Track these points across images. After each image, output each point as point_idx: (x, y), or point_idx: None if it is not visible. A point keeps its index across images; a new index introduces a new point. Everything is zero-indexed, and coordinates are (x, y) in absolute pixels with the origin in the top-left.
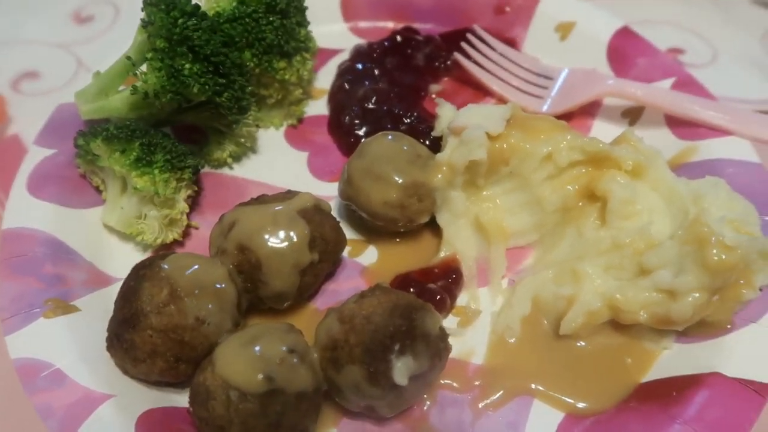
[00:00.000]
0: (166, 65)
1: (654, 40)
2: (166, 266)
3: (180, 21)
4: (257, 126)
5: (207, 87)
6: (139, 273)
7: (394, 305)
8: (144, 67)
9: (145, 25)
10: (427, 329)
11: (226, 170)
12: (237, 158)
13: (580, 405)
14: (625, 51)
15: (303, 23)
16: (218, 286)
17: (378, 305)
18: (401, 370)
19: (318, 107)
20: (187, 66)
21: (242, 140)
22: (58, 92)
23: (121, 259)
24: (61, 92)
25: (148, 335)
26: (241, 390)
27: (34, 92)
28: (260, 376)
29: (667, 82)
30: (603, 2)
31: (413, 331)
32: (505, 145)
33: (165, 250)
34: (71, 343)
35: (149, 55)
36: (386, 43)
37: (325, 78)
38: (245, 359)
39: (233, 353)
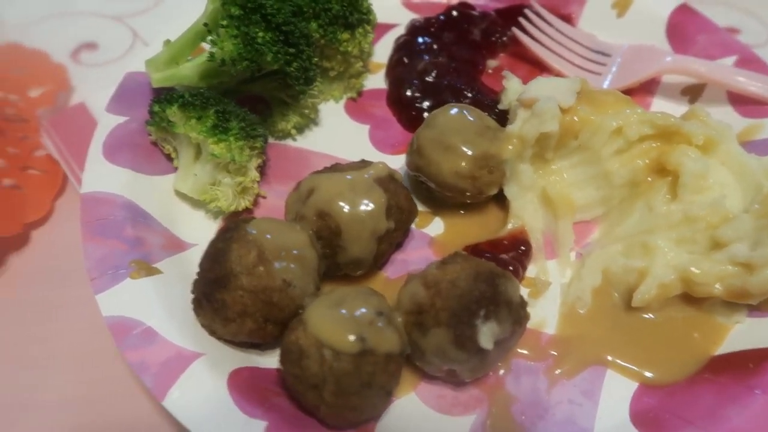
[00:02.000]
0: (242, 32)
1: None
2: (252, 230)
3: None
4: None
5: (279, 56)
6: (227, 236)
7: (477, 272)
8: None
9: None
10: (510, 296)
11: (289, 141)
12: (300, 129)
13: (653, 376)
14: (685, 28)
15: None
16: (301, 250)
17: (461, 271)
18: (486, 334)
19: (375, 81)
20: (260, 34)
21: (306, 111)
22: (115, 63)
23: (193, 226)
24: (119, 62)
25: (239, 295)
26: (334, 349)
27: (93, 62)
28: (353, 337)
29: (729, 60)
30: None
31: (497, 297)
32: (575, 118)
33: (235, 217)
34: (158, 303)
35: (224, 23)
36: (442, 18)
37: (381, 52)
38: (337, 320)
39: (325, 314)
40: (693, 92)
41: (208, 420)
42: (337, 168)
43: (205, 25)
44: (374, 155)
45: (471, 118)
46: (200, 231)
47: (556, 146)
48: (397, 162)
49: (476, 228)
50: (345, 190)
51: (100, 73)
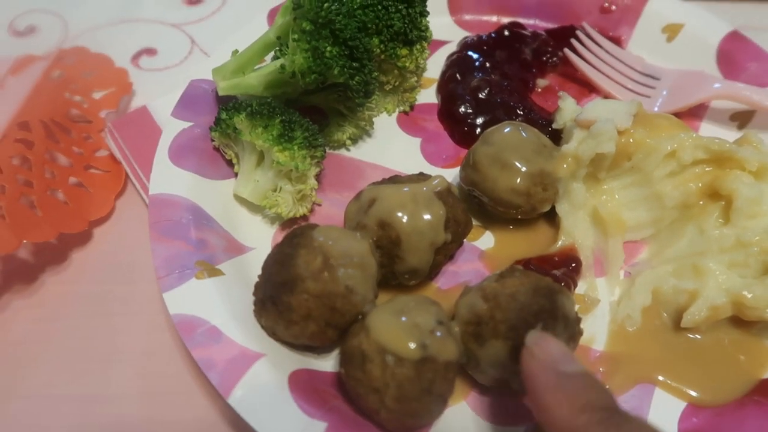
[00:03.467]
0: (312, 47)
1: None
2: (318, 236)
3: (325, 5)
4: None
5: (345, 69)
6: (293, 241)
7: (536, 286)
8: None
9: (295, 7)
10: (567, 311)
11: (343, 152)
12: (355, 141)
13: (701, 396)
14: (736, 54)
15: (424, 13)
16: (362, 258)
17: (521, 285)
18: None
19: (427, 95)
20: (329, 48)
21: (362, 123)
22: (174, 68)
23: (250, 230)
24: (178, 68)
25: (304, 299)
26: (397, 355)
27: (152, 67)
28: (414, 344)
29: None
30: (704, 5)
31: (555, 312)
32: (631, 140)
33: (292, 224)
34: (222, 304)
35: (295, 36)
36: (494, 36)
37: (432, 68)
38: (400, 327)
39: (388, 321)
40: (742, 118)
41: (270, 418)
42: (396, 180)
43: (278, 38)
44: (426, 168)
45: (527, 136)
46: (258, 235)
47: (610, 167)
48: (448, 175)
49: (526, 243)
50: (406, 202)
51: (158, 77)
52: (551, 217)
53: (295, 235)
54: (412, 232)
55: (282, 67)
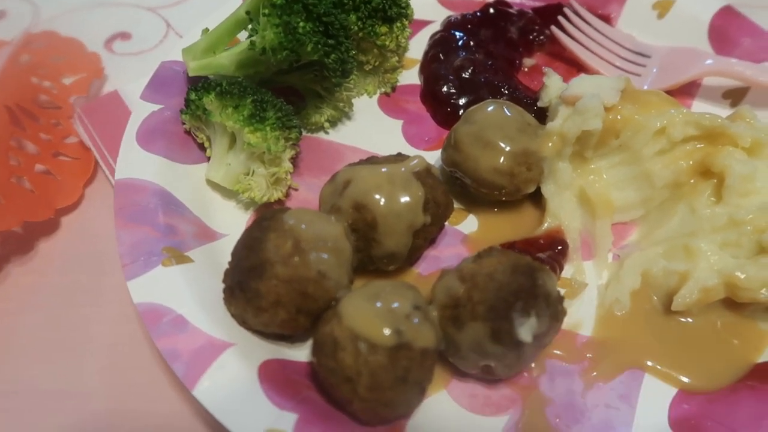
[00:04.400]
0: (284, 21)
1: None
2: (288, 219)
3: None
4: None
5: (319, 46)
6: (263, 225)
7: (515, 264)
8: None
9: None
10: (548, 289)
11: (321, 134)
12: (333, 123)
13: (692, 382)
14: (728, 30)
15: None
16: (336, 242)
17: (498, 264)
18: (525, 327)
19: (409, 76)
20: (301, 24)
21: (341, 105)
22: (148, 53)
23: (224, 216)
24: (152, 53)
25: (273, 285)
26: (370, 342)
27: (126, 52)
28: (389, 330)
29: None
30: None
31: (536, 290)
32: (619, 117)
33: (267, 208)
34: (189, 292)
35: (266, 11)
36: (479, 15)
37: (415, 48)
38: (373, 313)
39: (360, 306)
40: (735, 96)
41: (238, 410)
42: (373, 160)
43: (248, 13)
44: (407, 150)
45: (511, 115)
46: (231, 221)
47: (597, 145)
48: (431, 158)
49: (511, 226)
50: (383, 183)
51: (132, 62)
52: (536, 199)
53: (265, 218)
54: (389, 215)
55: (252, 43)
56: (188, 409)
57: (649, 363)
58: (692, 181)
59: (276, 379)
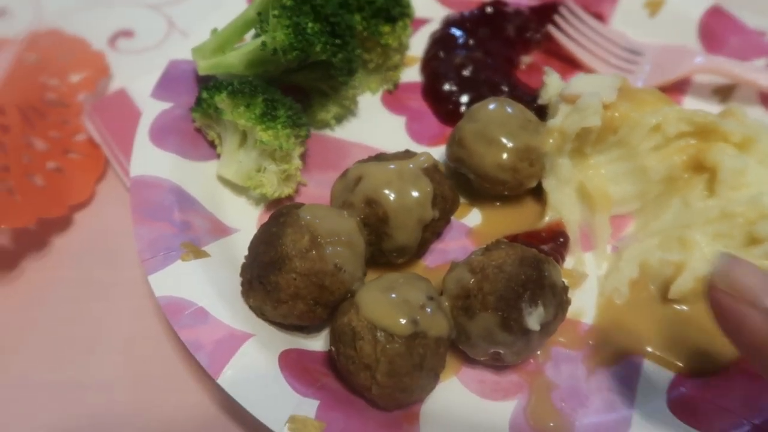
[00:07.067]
0: (293, 23)
1: None
2: (304, 215)
3: None
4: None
5: (327, 46)
6: (280, 220)
7: (522, 256)
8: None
9: None
10: (554, 280)
11: (327, 131)
12: (339, 120)
13: (689, 366)
14: (717, 29)
15: None
16: (350, 236)
17: (507, 256)
18: (533, 316)
19: (411, 74)
20: (310, 25)
21: (346, 103)
22: (152, 51)
23: (235, 212)
24: (155, 51)
25: (292, 278)
26: (388, 331)
27: (130, 50)
28: (405, 320)
29: (760, 62)
30: None
31: (542, 281)
32: (616, 114)
33: (277, 204)
34: (208, 285)
35: (276, 12)
36: (477, 14)
37: (416, 46)
38: (390, 303)
39: (377, 297)
40: (724, 92)
41: (262, 398)
42: (382, 157)
43: (259, 14)
44: (411, 146)
45: (513, 112)
46: (242, 217)
47: (595, 141)
48: (434, 154)
49: (513, 220)
50: (393, 179)
51: (136, 60)
52: (538, 193)
53: (282, 214)
54: (400, 209)
55: (263, 44)
56: (208, 401)
57: (648, 349)
58: (686, 175)
59: (295, 367)
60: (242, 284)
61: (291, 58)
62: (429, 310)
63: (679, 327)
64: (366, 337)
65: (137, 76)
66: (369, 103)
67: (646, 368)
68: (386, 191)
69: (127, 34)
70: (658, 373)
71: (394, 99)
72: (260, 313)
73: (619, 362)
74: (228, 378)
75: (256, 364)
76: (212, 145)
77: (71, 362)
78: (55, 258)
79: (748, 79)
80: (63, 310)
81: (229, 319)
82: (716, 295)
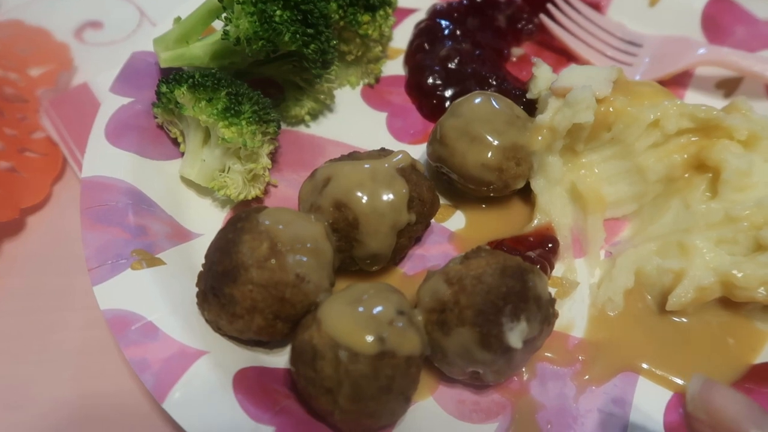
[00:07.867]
0: (259, 10)
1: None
2: (264, 220)
3: None
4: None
5: (297, 36)
6: (237, 226)
7: (504, 266)
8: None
9: None
10: (539, 292)
11: (302, 128)
12: (314, 116)
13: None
14: (722, 18)
15: None
16: (316, 243)
17: (487, 266)
18: (515, 332)
19: (394, 67)
20: (278, 12)
21: (321, 97)
22: (121, 43)
23: (199, 215)
24: (125, 43)
25: (248, 290)
26: (351, 350)
27: (98, 42)
28: (371, 337)
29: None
30: None
31: (526, 293)
32: (611, 109)
33: (245, 206)
34: (160, 297)
35: None
36: (466, 3)
37: (400, 37)
38: (355, 318)
39: (341, 312)
40: (729, 86)
41: (211, 425)
42: (355, 156)
43: (220, 0)
44: (392, 144)
45: (499, 107)
46: (207, 220)
47: (588, 138)
48: (416, 152)
49: (499, 223)
50: (364, 180)
51: (104, 53)
52: (526, 195)
53: (240, 218)
54: (371, 213)
55: (225, 33)
56: (163, 420)
57: (644, 365)
58: (687, 175)
59: (252, 388)
60: (197, 295)
61: (257, 48)
62: (400, 325)
63: (678, 341)
64: (327, 356)
65: (104, 70)
66: (348, 97)
67: (641, 387)
68: (357, 193)
69: (95, 25)
70: (654, 392)
71: (375, 93)
72: (217, 328)
73: (612, 380)
74: (174, 402)
75: (208, 386)
76: (176, 143)
77: (17, 376)
78: (4, 264)
79: (755, 71)
80: (10, 320)
81: (180, 335)
82: (698, 427)
